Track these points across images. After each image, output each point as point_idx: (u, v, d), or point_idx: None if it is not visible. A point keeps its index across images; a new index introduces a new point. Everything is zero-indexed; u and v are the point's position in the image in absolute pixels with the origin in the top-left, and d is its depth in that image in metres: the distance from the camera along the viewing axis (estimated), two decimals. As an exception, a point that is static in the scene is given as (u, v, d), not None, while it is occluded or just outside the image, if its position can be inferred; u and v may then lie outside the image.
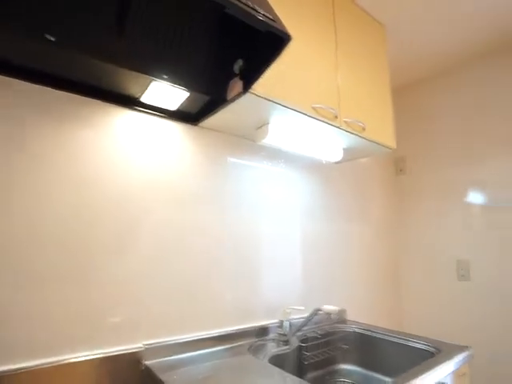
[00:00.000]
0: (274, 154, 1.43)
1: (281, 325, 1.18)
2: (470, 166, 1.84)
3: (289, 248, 1.42)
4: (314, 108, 1.09)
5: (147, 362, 0.94)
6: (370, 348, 1.28)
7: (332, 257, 1.63)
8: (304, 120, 1.13)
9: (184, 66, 0.93)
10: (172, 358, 0.99)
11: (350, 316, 1.63)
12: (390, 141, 1.40)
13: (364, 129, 1.26)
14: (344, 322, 1.47)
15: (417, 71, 2.04)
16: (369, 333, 1.30)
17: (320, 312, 1.02)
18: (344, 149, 1.46)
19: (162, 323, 1.02)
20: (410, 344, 1.18)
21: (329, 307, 0.98)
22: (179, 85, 0.95)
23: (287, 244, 1.42)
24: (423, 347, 1.14)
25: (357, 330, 1.35)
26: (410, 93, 2.18)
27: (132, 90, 1.00)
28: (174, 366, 0.93)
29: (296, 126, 1.19)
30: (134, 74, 0.89)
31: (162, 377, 0.85)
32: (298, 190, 1.52)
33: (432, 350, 1.11)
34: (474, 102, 1.87)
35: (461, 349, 1.10)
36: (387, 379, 1.20)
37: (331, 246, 1.64)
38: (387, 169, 2.17)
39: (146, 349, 0.95)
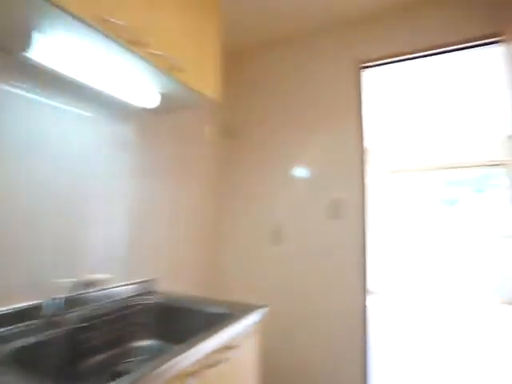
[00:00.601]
0: (68, 88, 1.09)
1: (49, 304, 0.90)
2: (291, 140, 1.94)
3: (92, 207, 1.13)
4: (103, 19, 0.81)
5: None
6: (170, 320, 1.15)
7: (145, 220, 1.43)
8: (93, 37, 0.84)
9: None
10: None
11: (173, 285, 1.48)
12: (211, 91, 1.27)
13: (175, 68, 1.07)
14: (151, 293, 1.30)
15: (258, 35, 2.00)
16: (171, 303, 1.18)
17: (88, 283, 0.80)
18: (162, 94, 1.24)
19: None
20: (209, 310, 1.11)
21: (97, 276, 0.78)
22: None
23: (86, 201, 1.12)
24: (221, 311, 1.09)
25: (159, 302, 1.20)
26: (255, 57, 2.13)
27: None
28: None
29: (87, 46, 0.89)
30: None
31: None
32: (110, 141, 1.23)
33: (228, 312, 1.06)
34: (299, 78, 1.97)
35: (255, 308, 1.10)
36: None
37: (147, 208, 1.43)
38: (219, 134, 2.09)
39: None
